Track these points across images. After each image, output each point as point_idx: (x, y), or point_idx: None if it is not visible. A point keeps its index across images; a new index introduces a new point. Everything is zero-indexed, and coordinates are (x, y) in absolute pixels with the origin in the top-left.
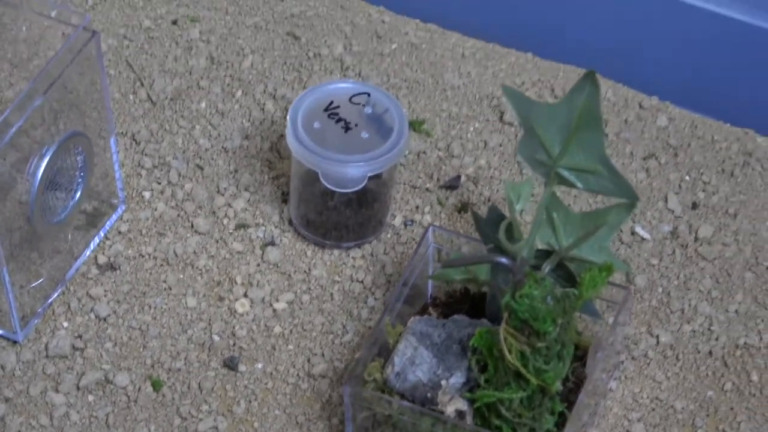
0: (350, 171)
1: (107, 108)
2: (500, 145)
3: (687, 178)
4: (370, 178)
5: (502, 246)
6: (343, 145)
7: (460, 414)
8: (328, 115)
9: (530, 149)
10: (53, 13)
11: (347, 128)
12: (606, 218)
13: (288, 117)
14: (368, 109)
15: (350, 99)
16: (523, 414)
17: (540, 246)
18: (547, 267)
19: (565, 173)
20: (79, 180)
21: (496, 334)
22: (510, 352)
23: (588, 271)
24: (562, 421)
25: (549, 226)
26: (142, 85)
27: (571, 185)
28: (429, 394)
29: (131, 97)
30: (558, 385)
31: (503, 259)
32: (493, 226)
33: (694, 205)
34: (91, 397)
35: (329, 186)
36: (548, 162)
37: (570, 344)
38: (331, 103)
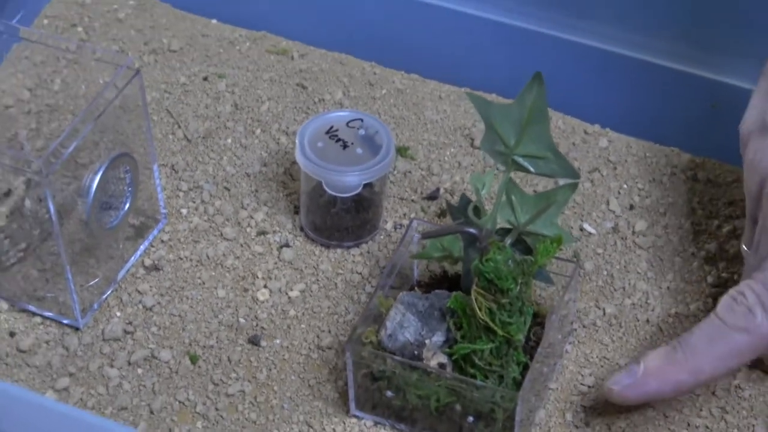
0: (348, 179)
1: (149, 140)
2: (471, 165)
3: (625, 186)
4: (365, 186)
5: (471, 221)
6: (342, 159)
7: (442, 366)
8: (329, 137)
9: (490, 143)
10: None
11: (345, 146)
12: (555, 197)
13: (297, 139)
14: (362, 131)
15: (347, 124)
16: (493, 363)
17: (501, 224)
18: (508, 240)
19: (520, 160)
20: (128, 194)
21: (469, 298)
22: (480, 309)
23: (542, 242)
24: (525, 371)
25: (508, 206)
26: (179, 127)
27: (526, 170)
28: (416, 352)
29: (170, 136)
30: (521, 337)
31: (472, 229)
32: (463, 209)
33: (631, 207)
34: (140, 370)
35: (332, 192)
36: (506, 151)
37: (528, 303)
38: (332, 127)
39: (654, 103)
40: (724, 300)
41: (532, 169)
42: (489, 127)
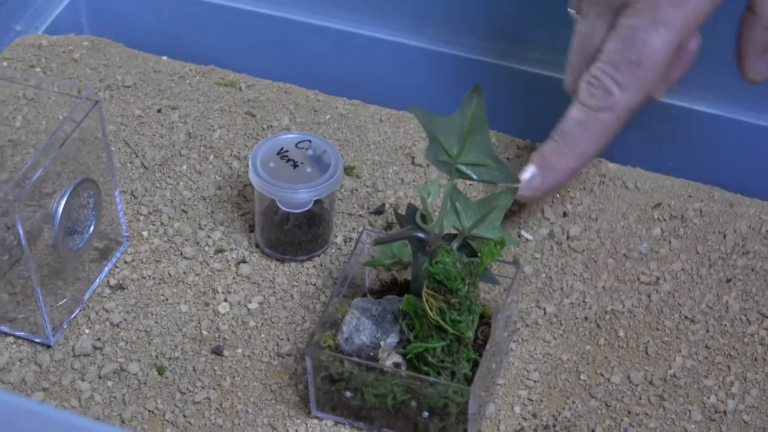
0: (299, 196)
1: (111, 167)
2: (413, 180)
3: (558, 195)
4: (315, 202)
5: (419, 227)
6: (293, 177)
7: (397, 365)
8: (280, 157)
9: (434, 153)
10: (64, 89)
11: (295, 165)
12: (497, 202)
13: (249, 161)
14: (310, 152)
15: (296, 145)
16: (444, 360)
17: (447, 230)
18: (454, 244)
19: (463, 168)
20: (92, 218)
21: (420, 300)
22: (431, 309)
23: (486, 245)
24: (475, 367)
25: (453, 213)
26: (137, 156)
27: (468, 177)
28: (372, 353)
29: (129, 165)
30: (470, 334)
31: (420, 234)
32: (411, 217)
33: (565, 214)
34: (110, 383)
35: (285, 209)
36: (449, 161)
37: (476, 302)
38: (282, 148)
39: None
40: (582, 87)
41: (474, 176)
42: (433, 138)
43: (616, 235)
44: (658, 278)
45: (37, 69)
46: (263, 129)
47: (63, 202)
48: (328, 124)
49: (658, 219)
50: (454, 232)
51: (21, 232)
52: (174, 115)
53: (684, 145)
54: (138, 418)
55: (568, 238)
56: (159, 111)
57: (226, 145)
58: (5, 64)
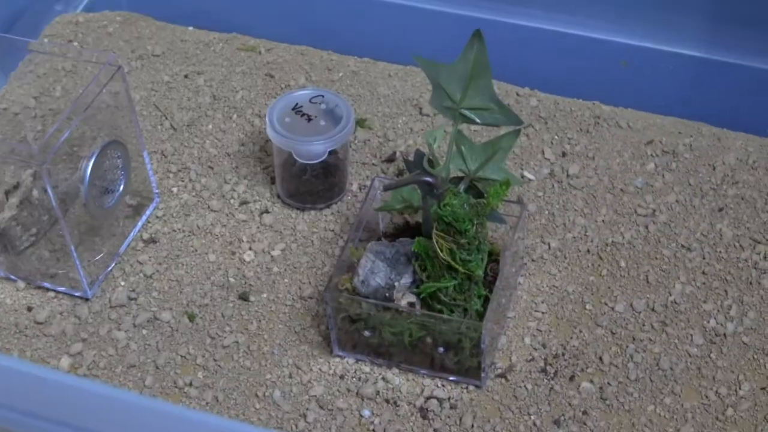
0: (315, 148)
1: (138, 130)
2: (421, 130)
3: (556, 137)
4: (330, 153)
5: (427, 172)
6: (308, 130)
7: (411, 304)
8: (295, 113)
9: (439, 100)
10: (90, 57)
11: (309, 119)
12: (501, 144)
13: (266, 116)
14: (323, 106)
15: (310, 100)
16: (456, 298)
17: (453, 174)
18: (461, 187)
19: (467, 113)
20: (122, 177)
21: (431, 241)
22: (441, 250)
23: (492, 186)
24: (486, 303)
25: (459, 157)
26: (166, 118)
27: (472, 122)
28: (387, 294)
29: (159, 127)
30: (480, 273)
31: (428, 178)
32: (419, 162)
33: (564, 154)
34: (144, 331)
35: (301, 161)
36: (453, 106)
37: (485, 241)
38: (297, 104)
39: (574, 65)
40: None
41: (478, 120)
42: (437, 86)
43: (613, 172)
44: (654, 210)
45: (75, 43)
46: (281, 89)
47: (91, 163)
48: (342, 81)
49: (651, 155)
50: (460, 175)
51: (51, 193)
52: (200, 80)
53: (672, 86)
54: (171, 363)
55: (567, 176)
56: (186, 76)
57: (248, 105)
58: (46, 40)
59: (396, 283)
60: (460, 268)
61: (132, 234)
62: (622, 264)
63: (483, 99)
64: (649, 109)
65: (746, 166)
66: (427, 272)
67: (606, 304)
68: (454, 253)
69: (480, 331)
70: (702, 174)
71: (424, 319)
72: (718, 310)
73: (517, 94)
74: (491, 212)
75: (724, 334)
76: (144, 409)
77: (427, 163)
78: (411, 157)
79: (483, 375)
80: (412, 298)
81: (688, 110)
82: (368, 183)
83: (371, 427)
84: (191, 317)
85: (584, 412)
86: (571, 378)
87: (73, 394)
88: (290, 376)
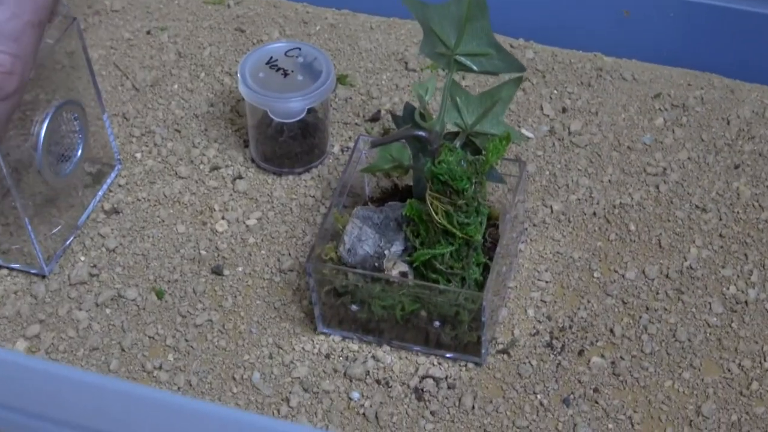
0: (292, 105)
1: (96, 88)
2: (408, 86)
3: (555, 91)
4: (309, 111)
5: (419, 126)
6: (284, 86)
7: (403, 274)
8: (270, 67)
9: (430, 46)
10: None
11: (286, 74)
12: (500, 94)
13: (238, 72)
14: (300, 59)
15: (285, 53)
16: (454, 266)
17: (448, 128)
18: (457, 142)
19: (462, 59)
20: (79, 141)
21: (424, 204)
22: (437, 213)
23: (491, 141)
24: (485, 272)
25: (454, 109)
26: (127, 78)
27: (468, 69)
28: (376, 263)
29: (120, 88)
30: (479, 237)
31: (421, 132)
32: (409, 116)
33: (564, 109)
34: (108, 311)
35: (278, 119)
36: (447, 52)
37: (484, 202)
38: (271, 57)
39: (572, 13)
40: None
41: (474, 68)
42: (427, 30)
43: (618, 128)
44: (664, 168)
45: None
46: (253, 44)
47: (45, 126)
48: (319, 35)
49: (660, 109)
50: (455, 129)
51: (1, 162)
52: (163, 36)
53: (679, 35)
54: (138, 345)
55: (569, 133)
56: (148, 33)
57: (217, 62)
58: None
59: (386, 251)
60: (458, 233)
61: (92, 204)
62: (632, 227)
63: (480, 43)
64: (655, 60)
65: (763, 120)
66: (421, 238)
67: (615, 271)
68: (451, 216)
69: (480, 301)
70: (715, 129)
71: (418, 290)
72: (738, 276)
73: (511, 46)
74: (490, 170)
75: (746, 302)
76: (113, 393)
77: (419, 117)
78: (400, 113)
79: (483, 351)
80: (404, 267)
81: (697, 61)
82: (351, 144)
83: (361, 411)
84: (159, 294)
85: (595, 390)
86: (580, 352)
87: (31, 376)
88: (270, 357)
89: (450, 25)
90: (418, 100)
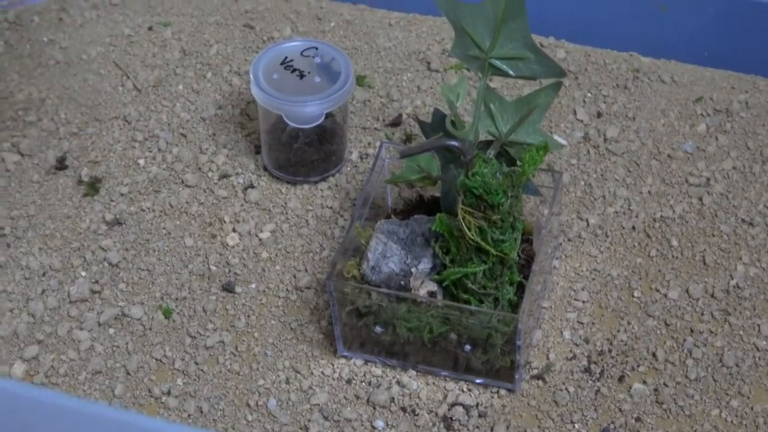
0: (309, 109)
1: None
2: (431, 88)
3: (589, 94)
4: (327, 116)
5: (450, 135)
6: (300, 89)
7: (432, 294)
8: (284, 68)
9: (463, 48)
10: None
11: (302, 76)
12: (537, 100)
13: (250, 73)
14: (317, 60)
15: (301, 53)
16: (486, 285)
17: (482, 137)
18: (491, 152)
19: (497, 63)
20: None
21: (455, 218)
22: (469, 229)
23: (527, 151)
24: (520, 291)
25: (488, 116)
26: (128, 78)
27: (504, 74)
28: (402, 282)
29: (120, 88)
30: (515, 255)
31: (454, 142)
32: (439, 124)
33: (599, 114)
34: (111, 330)
35: (293, 125)
36: (481, 55)
37: (520, 217)
38: (286, 57)
39: (606, 11)
40: None
41: (511, 72)
42: (459, 31)
43: (658, 134)
44: (708, 179)
45: None
46: (263, 41)
47: None
48: (334, 32)
49: (702, 114)
50: (489, 138)
51: None
52: (166, 32)
53: (720, 34)
54: (144, 368)
55: (605, 140)
56: (150, 28)
57: (225, 61)
58: None
59: (413, 269)
60: (492, 250)
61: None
62: (674, 243)
63: (517, 46)
64: (695, 60)
65: None
66: (451, 255)
67: (657, 290)
68: (485, 232)
69: (515, 324)
70: (762, 136)
71: (448, 311)
72: None
73: (541, 45)
74: (526, 183)
75: None
76: (116, 423)
77: (450, 125)
78: (427, 118)
79: (517, 377)
80: (433, 287)
81: (741, 62)
82: (370, 151)
83: None
84: (167, 313)
85: (637, 419)
86: (621, 378)
87: (29, 405)
88: (287, 382)
89: (484, 25)
90: (449, 106)
